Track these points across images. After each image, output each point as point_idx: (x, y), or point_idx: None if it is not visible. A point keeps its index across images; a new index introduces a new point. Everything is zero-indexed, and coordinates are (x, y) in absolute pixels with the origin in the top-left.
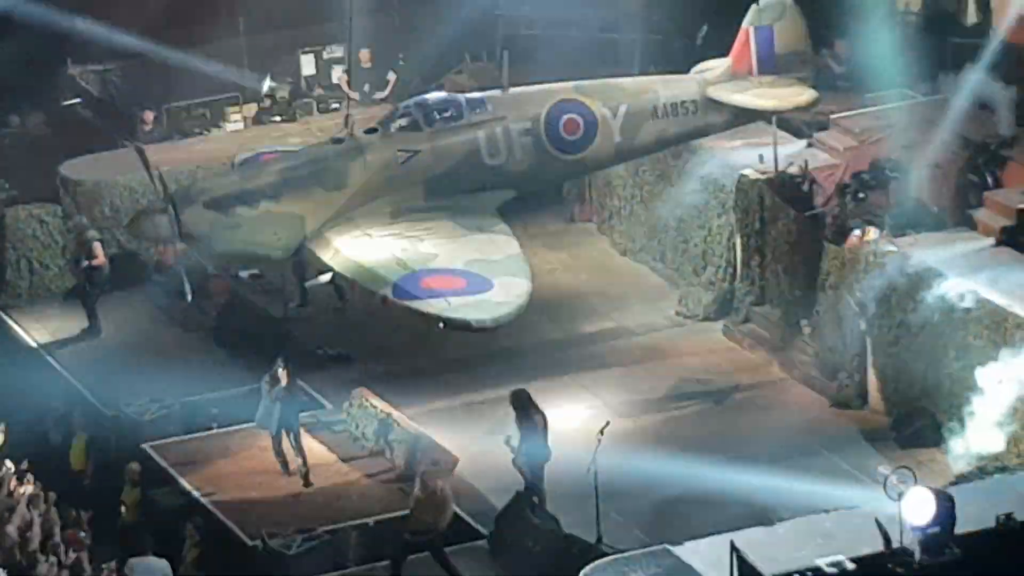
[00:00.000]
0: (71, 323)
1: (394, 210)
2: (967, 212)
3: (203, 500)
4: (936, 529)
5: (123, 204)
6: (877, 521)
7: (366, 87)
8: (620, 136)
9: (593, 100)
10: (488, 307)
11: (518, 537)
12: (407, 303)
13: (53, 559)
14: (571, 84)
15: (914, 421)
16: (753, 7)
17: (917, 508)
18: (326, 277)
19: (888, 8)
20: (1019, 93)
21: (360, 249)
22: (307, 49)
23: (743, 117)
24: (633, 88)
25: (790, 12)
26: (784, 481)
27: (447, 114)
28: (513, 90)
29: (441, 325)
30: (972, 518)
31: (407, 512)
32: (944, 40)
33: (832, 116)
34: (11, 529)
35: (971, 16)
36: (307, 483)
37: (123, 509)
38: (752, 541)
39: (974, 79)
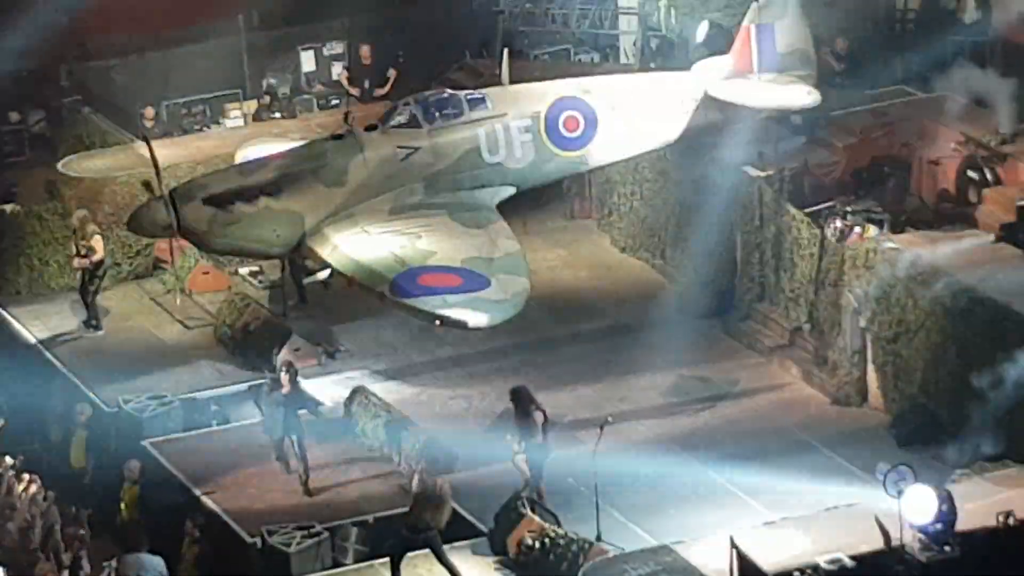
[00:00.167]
0: (71, 320)
1: (393, 207)
2: (967, 209)
3: (203, 497)
4: (936, 526)
5: (122, 201)
6: (877, 519)
7: (366, 83)
8: (620, 134)
9: (593, 97)
10: (485, 305)
11: (518, 535)
12: (404, 301)
13: (53, 557)
14: (572, 81)
15: (914, 419)
16: (754, 5)
17: (917, 506)
18: (324, 274)
19: (888, 6)
20: (1018, 90)
21: (358, 246)
22: (307, 46)
23: (743, 115)
24: (634, 85)
25: (791, 10)
26: (784, 478)
27: (447, 111)
28: (513, 87)
29: (438, 323)
30: (972, 516)
31: (406, 509)
32: (943, 38)
33: (832, 113)
34: (11, 527)
35: (970, 14)
36: (307, 491)
37: (122, 506)
38: (752, 538)
39: (973, 76)
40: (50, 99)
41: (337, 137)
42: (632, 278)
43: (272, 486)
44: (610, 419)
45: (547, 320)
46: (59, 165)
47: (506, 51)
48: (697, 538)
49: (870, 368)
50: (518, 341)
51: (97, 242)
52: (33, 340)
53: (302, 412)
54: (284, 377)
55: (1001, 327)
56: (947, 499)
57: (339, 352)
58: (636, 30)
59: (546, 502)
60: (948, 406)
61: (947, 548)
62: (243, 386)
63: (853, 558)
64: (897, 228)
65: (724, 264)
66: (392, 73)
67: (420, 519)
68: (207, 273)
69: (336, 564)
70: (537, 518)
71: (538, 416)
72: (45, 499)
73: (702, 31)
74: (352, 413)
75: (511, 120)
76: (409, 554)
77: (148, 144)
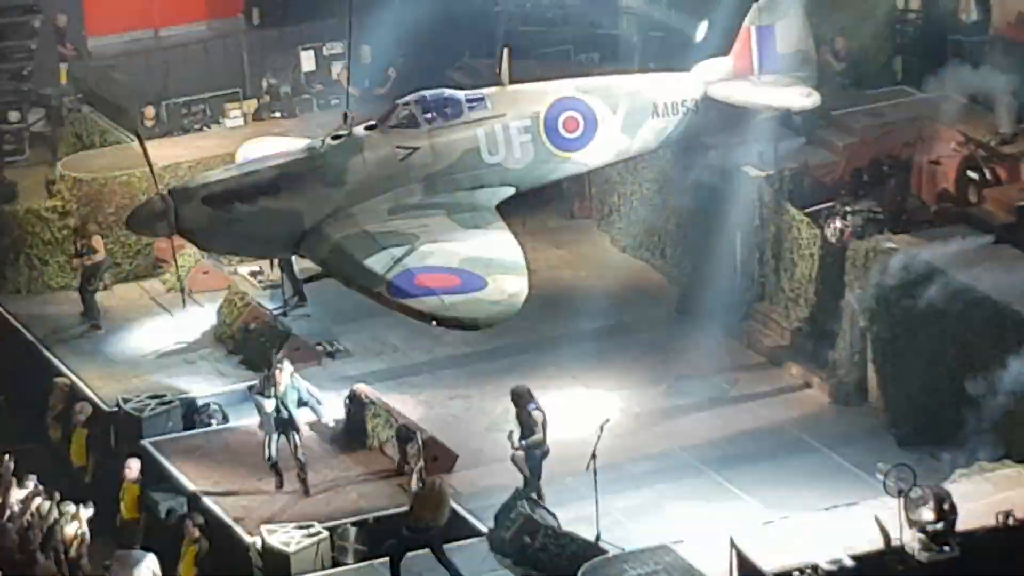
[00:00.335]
0: (71, 319)
1: (392, 207)
2: (967, 209)
3: (202, 497)
4: (935, 527)
5: (122, 200)
6: (876, 518)
7: (366, 83)
8: (620, 135)
9: (593, 98)
10: (481, 306)
11: (517, 534)
12: (401, 301)
13: (53, 557)
14: (571, 82)
15: (914, 418)
16: (755, 6)
17: (917, 505)
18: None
19: (888, 6)
20: (1018, 90)
21: (356, 246)
22: (307, 45)
23: (743, 116)
24: (633, 86)
25: (792, 11)
26: (783, 478)
27: (446, 111)
28: (513, 87)
29: (434, 323)
30: (971, 515)
31: (406, 509)
32: (944, 38)
33: (832, 113)
34: (11, 527)
35: (971, 14)
36: (306, 491)
37: (122, 506)
38: (751, 538)
39: (973, 76)
40: (50, 98)
41: (336, 137)
42: (632, 278)
43: (272, 485)
44: (609, 419)
45: (547, 320)
46: (59, 164)
47: (506, 51)
48: (696, 538)
49: (870, 368)
50: (518, 341)
51: (97, 242)
52: (33, 339)
53: (301, 408)
54: (279, 375)
55: (1000, 327)
56: (947, 499)
57: (339, 352)
58: (636, 30)
59: (545, 501)
60: (948, 406)
61: (947, 548)
62: (243, 385)
63: (853, 558)
64: (897, 228)
65: (724, 264)
66: (392, 72)
67: (420, 519)
68: (207, 273)
69: (336, 564)
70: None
71: (538, 415)
72: (49, 498)
73: (702, 30)
74: (352, 412)
75: (510, 120)
76: (409, 554)
77: (141, 142)
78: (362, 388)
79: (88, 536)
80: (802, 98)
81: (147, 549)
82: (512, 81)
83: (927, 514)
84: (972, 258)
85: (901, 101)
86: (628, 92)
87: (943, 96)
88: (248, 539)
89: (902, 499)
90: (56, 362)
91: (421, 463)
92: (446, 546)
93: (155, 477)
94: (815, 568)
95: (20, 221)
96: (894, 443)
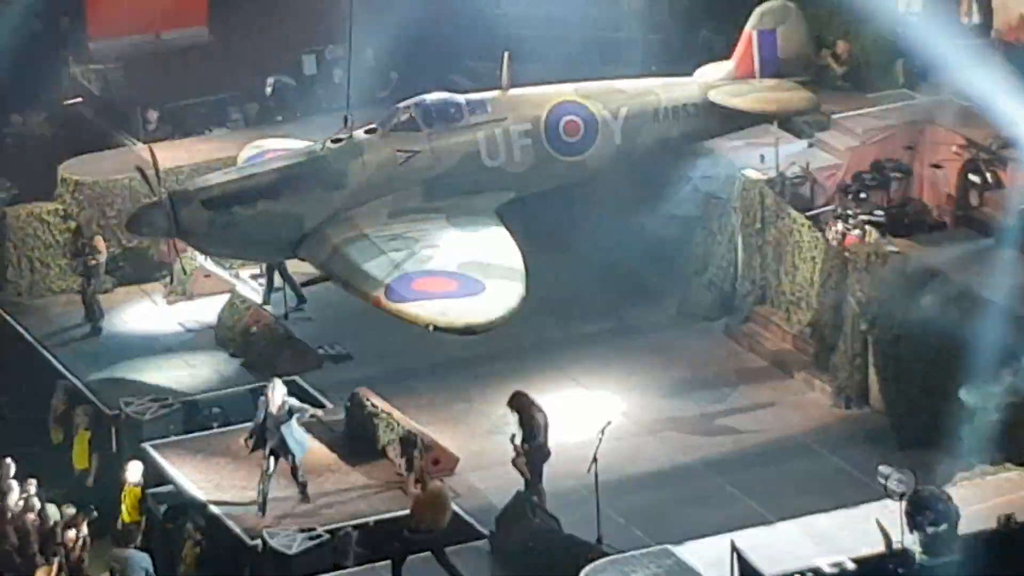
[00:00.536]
0: (72, 322)
1: (392, 210)
2: (968, 212)
3: (204, 499)
4: (937, 530)
5: (124, 203)
6: (878, 522)
7: (368, 86)
8: (621, 139)
9: (594, 102)
10: (479, 310)
11: (518, 537)
12: (398, 305)
13: (54, 560)
14: (572, 86)
15: (915, 421)
16: (756, 11)
17: (918, 509)
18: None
19: (889, 8)
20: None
21: (355, 249)
22: (309, 49)
23: (744, 120)
24: (634, 90)
25: (793, 16)
26: (785, 481)
27: (447, 115)
28: (513, 91)
29: (431, 328)
30: (973, 519)
31: (407, 512)
32: (945, 41)
33: (833, 116)
34: (10, 531)
35: (972, 16)
36: (305, 498)
37: (123, 508)
38: (753, 541)
39: (975, 79)
40: (52, 101)
41: (336, 140)
42: (633, 280)
43: (273, 489)
44: (610, 422)
45: (548, 322)
46: (61, 168)
47: (506, 55)
48: (698, 541)
49: (871, 371)
50: (519, 343)
51: (99, 242)
52: (34, 342)
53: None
54: (270, 395)
55: (1002, 330)
56: (948, 502)
57: (341, 355)
58: (638, 34)
59: (547, 504)
60: (949, 408)
61: (948, 551)
62: (244, 388)
63: (854, 561)
64: (898, 231)
65: (726, 267)
66: (394, 76)
67: (421, 521)
68: (208, 276)
69: (337, 566)
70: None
71: (539, 418)
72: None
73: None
74: (353, 415)
75: (511, 125)
76: (410, 556)
77: (151, 149)
78: (364, 391)
79: (89, 539)
80: (803, 102)
81: (147, 551)
82: (513, 85)
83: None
84: (974, 261)
85: (902, 105)
86: (629, 96)
87: (944, 99)
88: (249, 542)
89: (903, 502)
90: (58, 365)
91: (422, 466)
92: (447, 549)
93: (156, 480)
94: (816, 571)
95: (22, 224)
96: (895, 446)
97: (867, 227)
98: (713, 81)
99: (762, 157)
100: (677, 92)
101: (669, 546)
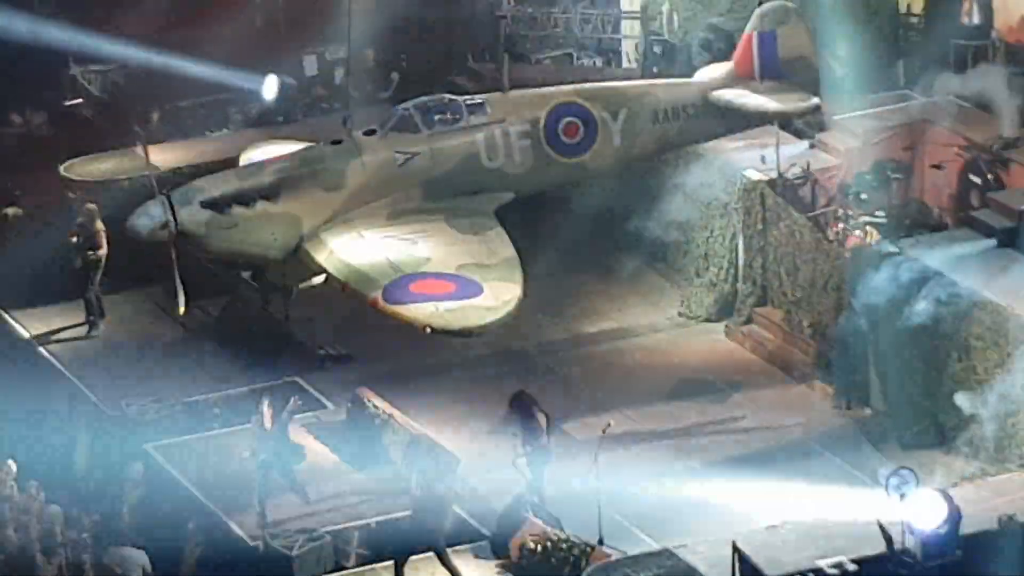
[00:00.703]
0: (73, 323)
1: (391, 212)
2: (969, 213)
3: (205, 500)
4: (938, 530)
5: (123, 204)
6: (879, 522)
7: (369, 87)
8: (620, 140)
9: (593, 103)
10: (475, 313)
11: (520, 538)
12: (396, 307)
13: (55, 562)
14: (572, 87)
15: (916, 422)
16: (756, 12)
17: (919, 509)
18: (320, 279)
19: (890, 10)
20: (1021, 93)
21: (353, 251)
22: (310, 49)
23: (745, 121)
24: (634, 92)
25: (793, 17)
26: (786, 482)
27: (446, 116)
28: (513, 92)
29: (428, 330)
30: (974, 519)
31: (409, 513)
32: (946, 41)
33: (834, 117)
34: (10, 533)
35: (973, 17)
36: (305, 500)
37: (125, 510)
38: (754, 542)
39: (975, 80)
40: (53, 102)
41: (336, 141)
42: (634, 281)
43: (276, 487)
44: (611, 423)
45: (548, 323)
46: (62, 168)
47: (507, 56)
48: (699, 542)
49: (872, 372)
50: (520, 344)
51: (101, 237)
52: (35, 343)
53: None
54: (266, 413)
55: (1003, 331)
56: (949, 503)
57: (342, 356)
58: (638, 35)
59: (548, 506)
60: (950, 409)
61: (949, 552)
62: (244, 389)
63: (855, 562)
64: (899, 232)
65: (726, 267)
66: (395, 76)
67: (422, 522)
68: None
69: (338, 567)
70: (539, 522)
71: (541, 419)
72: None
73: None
74: (353, 416)
75: (510, 126)
76: (412, 557)
77: (144, 147)
78: (365, 392)
79: (90, 539)
80: (803, 104)
81: (145, 551)
82: (514, 86)
83: None
84: (975, 262)
85: (903, 105)
86: (629, 98)
87: (945, 100)
88: (251, 543)
89: (904, 503)
90: (58, 366)
91: (424, 467)
92: (449, 550)
93: (157, 480)
94: (818, 572)
95: (22, 225)
96: (896, 447)
97: (868, 228)
98: (713, 82)
99: (763, 158)
100: (677, 93)
101: (671, 547)
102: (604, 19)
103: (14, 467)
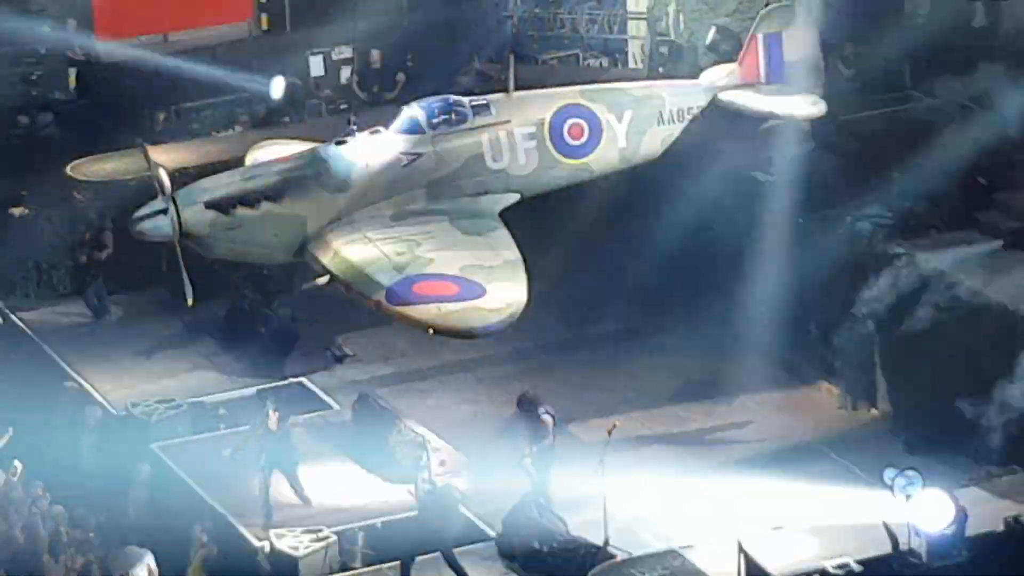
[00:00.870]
0: (79, 323)
1: (395, 213)
2: (974, 214)
3: (211, 501)
4: (944, 531)
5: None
6: (884, 523)
7: (375, 88)
8: (625, 142)
9: (598, 105)
10: (478, 314)
11: (526, 539)
12: (399, 308)
13: (62, 562)
14: (577, 88)
15: (922, 423)
16: (761, 14)
17: (925, 510)
18: (323, 280)
19: (896, 11)
20: None
21: (357, 252)
22: (316, 50)
23: (750, 123)
24: (639, 93)
25: (799, 19)
26: (792, 483)
27: (451, 117)
28: (518, 93)
29: (431, 332)
30: (980, 521)
31: (415, 513)
32: (952, 42)
33: (840, 118)
34: (17, 533)
35: (979, 18)
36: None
37: (130, 510)
38: (759, 543)
39: (981, 80)
40: (58, 102)
41: (340, 142)
42: (639, 282)
43: (280, 489)
44: (617, 424)
45: (554, 324)
46: (68, 169)
47: (511, 57)
48: (705, 542)
49: (878, 373)
50: (526, 345)
51: (107, 237)
52: (41, 344)
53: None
54: (272, 415)
55: (1009, 333)
56: (955, 504)
57: (347, 356)
58: (645, 35)
59: (554, 506)
60: (956, 411)
61: (955, 553)
62: (252, 390)
63: (860, 563)
64: (906, 233)
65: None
66: (401, 77)
67: (429, 522)
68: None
69: (344, 568)
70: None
71: (547, 419)
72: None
73: (710, 35)
74: (362, 418)
75: (515, 127)
76: (419, 558)
77: (144, 152)
78: (370, 393)
79: (96, 539)
80: (809, 106)
81: (152, 552)
82: (519, 86)
83: None
84: (980, 263)
85: (910, 106)
86: (634, 99)
87: (952, 101)
88: (256, 543)
89: (910, 504)
90: (65, 366)
91: (429, 468)
92: (456, 550)
93: (164, 481)
94: (823, 572)
95: (29, 225)
96: (902, 448)
97: (874, 229)
98: (719, 84)
99: (769, 159)
100: (683, 95)
101: (676, 547)
102: (610, 20)
103: (20, 467)
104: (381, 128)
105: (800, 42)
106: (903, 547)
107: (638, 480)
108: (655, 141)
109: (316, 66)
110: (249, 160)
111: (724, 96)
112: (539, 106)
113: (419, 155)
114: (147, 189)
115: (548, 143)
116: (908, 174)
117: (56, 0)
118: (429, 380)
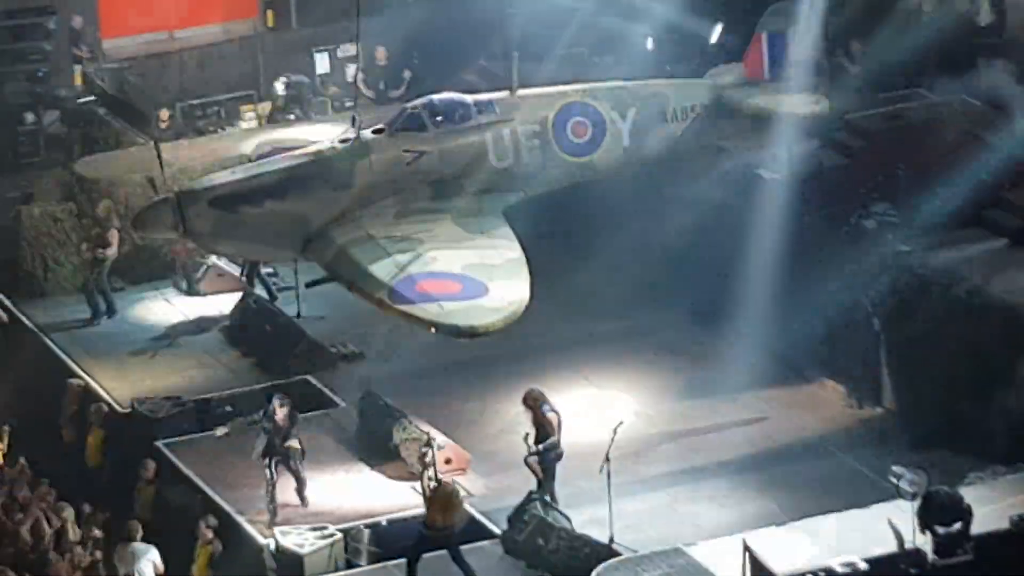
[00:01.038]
0: (85, 321)
1: (399, 211)
2: (980, 212)
3: (216, 498)
4: (950, 530)
5: (136, 202)
6: (890, 521)
7: (381, 85)
8: (629, 140)
9: (602, 103)
10: (481, 313)
11: (531, 536)
12: (402, 307)
13: (68, 558)
14: (580, 87)
15: (928, 421)
16: (767, 12)
17: (931, 509)
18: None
19: (902, 8)
20: None
21: (360, 250)
22: (321, 48)
23: (755, 122)
24: (644, 92)
25: (804, 17)
26: (797, 481)
27: (454, 115)
28: (522, 92)
29: (433, 330)
30: (986, 519)
31: (421, 511)
32: (958, 40)
33: (846, 116)
34: (23, 531)
35: (985, 16)
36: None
37: (137, 507)
38: (765, 541)
39: (987, 79)
40: (65, 100)
41: (344, 140)
42: (645, 280)
43: (285, 487)
44: (622, 421)
45: (560, 322)
46: (74, 166)
47: (516, 55)
48: (710, 541)
49: (884, 371)
50: (532, 343)
51: (112, 236)
52: (47, 340)
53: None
54: (280, 411)
55: (1015, 330)
56: (961, 502)
57: (352, 354)
58: (650, 33)
59: (559, 504)
60: (962, 409)
61: (961, 551)
62: (257, 387)
63: (866, 561)
64: (912, 231)
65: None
66: (407, 75)
67: (433, 521)
68: (222, 275)
69: (350, 565)
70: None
71: (552, 417)
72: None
73: (716, 33)
74: (367, 416)
75: (519, 125)
76: (425, 555)
77: (156, 147)
78: (375, 391)
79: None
80: (812, 104)
81: (156, 546)
82: (522, 85)
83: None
84: (986, 261)
85: (915, 104)
86: (638, 97)
87: (957, 98)
88: (262, 541)
89: (915, 502)
90: (70, 363)
91: (434, 465)
92: (461, 548)
93: (170, 478)
94: (828, 571)
95: (35, 223)
96: (908, 446)
97: (880, 227)
98: (724, 82)
99: (774, 157)
100: (687, 93)
101: (681, 546)
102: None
103: (25, 465)
104: (385, 126)
105: (804, 40)
106: (909, 545)
107: (643, 478)
108: (659, 139)
109: (322, 63)
110: (253, 157)
111: (729, 94)
112: (543, 104)
113: (423, 153)
114: (152, 187)
115: (552, 141)
116: (914, 172)
117: None
118: (435, 377)
